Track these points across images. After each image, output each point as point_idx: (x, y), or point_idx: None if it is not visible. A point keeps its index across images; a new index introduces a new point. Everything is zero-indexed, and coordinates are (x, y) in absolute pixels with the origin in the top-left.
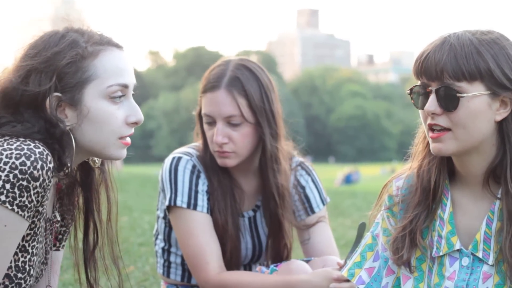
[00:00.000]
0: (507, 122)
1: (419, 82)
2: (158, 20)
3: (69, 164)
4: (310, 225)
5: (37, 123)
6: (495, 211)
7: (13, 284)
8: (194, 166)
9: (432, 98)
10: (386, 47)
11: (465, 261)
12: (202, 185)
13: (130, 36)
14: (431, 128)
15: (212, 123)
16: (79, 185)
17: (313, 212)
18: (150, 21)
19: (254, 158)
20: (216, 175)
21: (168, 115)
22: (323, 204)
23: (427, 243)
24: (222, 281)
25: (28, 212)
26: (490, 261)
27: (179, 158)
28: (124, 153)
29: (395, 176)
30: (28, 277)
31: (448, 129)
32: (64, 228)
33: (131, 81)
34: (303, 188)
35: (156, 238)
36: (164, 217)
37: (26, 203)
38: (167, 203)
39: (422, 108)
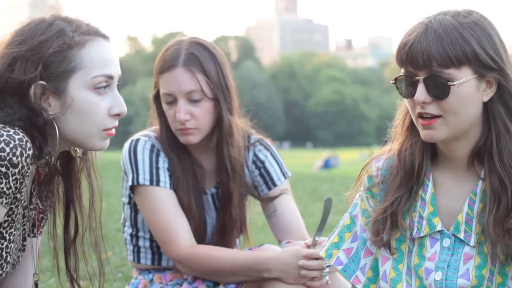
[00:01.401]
0: (493, 101)
1: (402, 71)
2: (136, 6)
3: (52, 153)
4: (273, 197)
5: (20, 111)
6: (477, 192)
7: None
8: (153, 146)
9: (421, 87)
10: (365, 32)
11: (446, 242)
12: (163, 163)
13: (108, 22)
14: (421, 115)
15: (173, 102)
16: (59, 174)
17: (274, 185)
18: (128, 6)
19: (213, 135)
20: (175, 154)
21: (147, 100)
22: (285, 177)
23: (407, 224)
24: (194, 254)
25: (6, 199)
26: (472, 242)
27: (137, 140)
28: (106, 143)
29: (375, 157)
30: (5, 264)
31: (439, 116)
32: (42, 215)
33: (117, 72)
34: (262, 162)
35: (124, 226)
36: (129, 202)
37: (5, 189)
38: (130, 182)
39: (410, 97)
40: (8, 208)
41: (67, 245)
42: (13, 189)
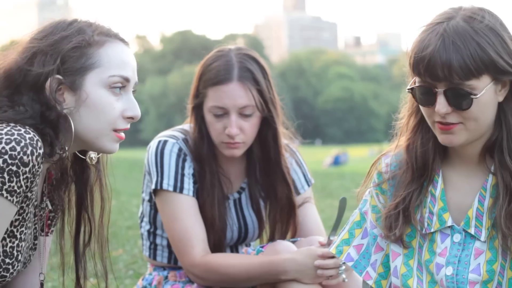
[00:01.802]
0: (507, 99)
1: (418, 79)
2: (144, 4)
3: (66, 148)
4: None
5: (32, 108)
6: (487, 187)
7: (1, 269)
8: (180, 150)
9: (442, 99)
10: (373, 29)
11: (457, 237)
12: (188, 169)
13: (117, 21)
14: (440, 122)
15: (222, 115)
16: (72, 180)
17: (298, 193)
18: (136, 5)
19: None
20: (202, 159)
21: (156, 99)
22: (308, 185)
23: (418, 220)
24: (208, 264)
25: (16, 198)
26: (482, 238)
27: (165, 142)
28: (116, 147)
29: (384, 153)
30: (16, 263)
31: (459, 122)
32: (53, 214)
33: (133, 76)
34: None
35: (142, 221)
36: (150, 200)
37: (15, 188)
38: (153, 186)
39: (428, 105)
40: (19, 207)
41: (77, 252)
42: (24, 188)
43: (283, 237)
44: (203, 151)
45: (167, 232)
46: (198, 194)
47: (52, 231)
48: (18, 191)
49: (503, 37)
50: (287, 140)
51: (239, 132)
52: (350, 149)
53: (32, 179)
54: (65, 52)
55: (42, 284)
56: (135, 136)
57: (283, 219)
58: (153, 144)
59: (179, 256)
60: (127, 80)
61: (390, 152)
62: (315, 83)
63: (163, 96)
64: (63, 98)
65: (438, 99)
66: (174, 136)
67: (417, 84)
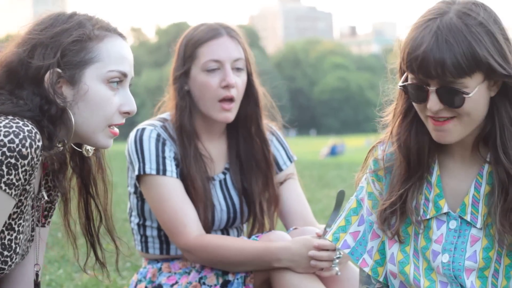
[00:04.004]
0: (498, 94)
1: (411, 76)
2: None
3: (66, 142)
4: (279, 183)
5: (32, 102)
6: (483, 174)
7: None
8: (158, 135)
9: (434, 97)
10: (369, 19)
11: (453, 224)
12: (169, 152)
13: (112, 13)
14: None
15: (216, 70)
16: (74, 171)
17: (280, 169)
18: None
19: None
20: (184, 140)
21: (152, 91)
22: (290, 162)
23: (413, 206)
24: (203, 243)
25: (15, 190)
26: (478, 225)
27: (143, 129)
28: (110, 142)
29: (380, 141)
30: (14, 255)
31: (452, 117)
32: (49, 205)
33: (130, 71)
34: None
35: (131, 216)
36: (135, 192)
37: (14, 181)
38: (136, 172)
39: (421, 102)
40: (17, 199)
41: (93, 237)
42: (22, 180)
43: (262, 221)
44: (185, 125)
45: (157, 216)
46: (182, 176)
47: (49, 222)
48: (16, 184)
49: (495, 35)
50: (268, 120)
51: (234, 84)
52: (346, 139)
53: (30, 171)
54: (65, 45)
55: (37, 275)
56: (131, 128)
57: (264, 198)
58: (131, 134)
59: (173, 237)
60: (124, 75)
61: (386, 139)
62: (311, 74)
63: (159, 88)
64: (62, 92)
65: (431, 97)
66: (151, 124)
67: (409, 81)
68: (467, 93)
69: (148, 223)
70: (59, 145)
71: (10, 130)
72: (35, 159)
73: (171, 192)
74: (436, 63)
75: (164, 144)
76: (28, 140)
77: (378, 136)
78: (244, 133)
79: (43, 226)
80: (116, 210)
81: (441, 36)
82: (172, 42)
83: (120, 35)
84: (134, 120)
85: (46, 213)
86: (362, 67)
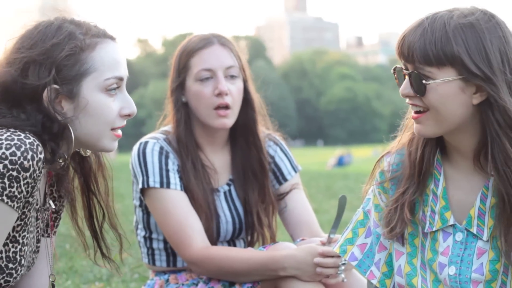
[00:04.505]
0: (485, 106)
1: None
2: (146, 8)
3: (66, 157)
4: (284, 193)
5: (34, 118)
6: (489, 186)
7: (4, 274)
8: (161, 148)
9: (406, 81)
10: (375, 29)
11: (459, 236)
12: (172, 165)
13: (119, 24)
14: (413, 109)
15: (208, 79)
16: (76, 172)
17: (285, 179)
18: (138, 8)
19: (226, 130)
20: (187, 153)
21: (158, 102)
22: (295, 171)
23: (419, 218)
24: (209, 255)
25: (17, 203)
26: (484, 237)
27: (146, 142)
28: (115, 145)
29: (387, 152)
30: (19, 267)
31: (427, 110)
32: (55, 215)
33: (125, 73)
34: (272, 157)
35: (137, 229)
36: (141, 205)
37: (16, 193)
38: (140, 185)
39: (401, 85)
40: (20, 212)
41: (96, 233)
42: (25, 193)
43: (261, 234)
44: (182, 137)
45: (162, 229)
46: (186, 188)
47: (55, 232)
48: (18, 196)
49: (483, 39)
50: (269, 130)
51: (228, 91)
52: (353, 149)
53: (33, 184)
54: (59, 61)
55: (53, 285)
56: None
57: (260, 208)
58: (134, 148)
59: (178, 250)
60: (121, 79)
61: (393, 149)
62: (317, 84)
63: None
64: (61, 107)
65: (404, 81)
66: (154, 137)
67: (395, 66)
68: (427, 80)
69: (154, 235)
70: (60, 160)
71: (12, 143)
72: (37, 172)
73: (175, 204)
74: (409, 47)
75: (167, 157)
76: (30, 153)
77: (385, 146)
78: (242, 142)
79: (48, 236)
80: (124, 221)
81: (422, 24)
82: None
83: (110, 37)
84: (141, 131)
85: (52, 223)
86: (368, 77)
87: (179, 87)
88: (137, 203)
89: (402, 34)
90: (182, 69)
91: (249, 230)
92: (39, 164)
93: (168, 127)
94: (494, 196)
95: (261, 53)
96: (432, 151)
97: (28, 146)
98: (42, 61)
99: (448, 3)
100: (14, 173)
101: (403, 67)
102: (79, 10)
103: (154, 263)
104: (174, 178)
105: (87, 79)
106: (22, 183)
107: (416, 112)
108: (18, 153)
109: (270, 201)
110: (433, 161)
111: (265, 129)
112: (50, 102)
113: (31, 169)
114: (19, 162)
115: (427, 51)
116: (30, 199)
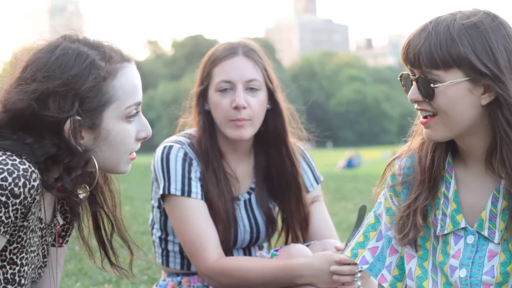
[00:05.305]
0: (494, 106)
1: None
2: (155, 9)
3: (89, 188)
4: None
5: (49, 147)
6: (500, 189)
7: None
8: (185, 154)
9: (414, 86)
10: (385, 31)
11: (470, 239)
12: (195, 172)
13: (128, 26)
14: (421, 114)
15: (228, 90)
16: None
17: (307, 191)
18: (147, 10)
19: (250, 139)
20: (208, 161)
21: (168, 104)
22: (317, 183)
23: (431, 222)
24: (222, 267)
25: (4, 228)
26: (496, 240)
27: (170, 147)
28: (129, 167)
29: (398, 155)
30: (19, 287)
31: (436, 114)
32: (67, 226)
33: (141, 95)
34: None
35: (153, 228)
36: (159, 207)
37: (3, 219)
38: (161, 191)
39: (408, 92)
40: (7, 236)
41: (104, 243)
42: (13, 218)
43: (296, 238)
44: (206, 144)
45: (178, 237)
46: (206, 197)
47: (67, 241)
48: (6, 221)
49: (488, 38)
50: (295, 139)
51: (246, 105)
52: (363, 151)
53: (23, 210)
54: (82, 93)
55: None
56: (148, 141)
57: (297, 219)
58: (158, 150)
59: (193, 260)
60: (139, 104)
61: (403, 155)
62: (327, 86)
63: (175, 101)
64: (81, 137)
65: (412, 87)
66: (179, 141)
67: (402, 72)
68: (435, 84)
69: (170, 238)
70: (81, 192)
71: (5, 168)
72: (29, 199)
73: (194, 214)
74: (414, 51)
75: (190, 164)
76: (22, 180)
77: (395, 148)
78: (274, 154)
79: (60, 246)
80: (134, 223)
81: (426, 28)
82: (188, 54)
83: (128, 60)
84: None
85: (63, 233)
86: (378, 79)
87: (202, 95)
88: (156, 204)
89: (407, 40)
90: (206, 77)
91: (266, 238)
92: (32, 191)
93: (193, 130)
94: (506, 198)
95: (271, 55)
96: (442, 155)
97: (21, 172)
98: (63, 93)
99: (458, 4)
100: (3, 199)
101: (410, 73)
102: (89, 12)
103: (168, 265)
104: (196, 187)
105: (109, 109)
106: (10, 209)
107: (425, 117)
108: (10, 179)
109: (305, 212)
110: (443, 165)
111: (297, 140)
112: (72, 134)
113: (22, 196)
114: (9, 188)
115: (433, 54)
116: (26, 223)
